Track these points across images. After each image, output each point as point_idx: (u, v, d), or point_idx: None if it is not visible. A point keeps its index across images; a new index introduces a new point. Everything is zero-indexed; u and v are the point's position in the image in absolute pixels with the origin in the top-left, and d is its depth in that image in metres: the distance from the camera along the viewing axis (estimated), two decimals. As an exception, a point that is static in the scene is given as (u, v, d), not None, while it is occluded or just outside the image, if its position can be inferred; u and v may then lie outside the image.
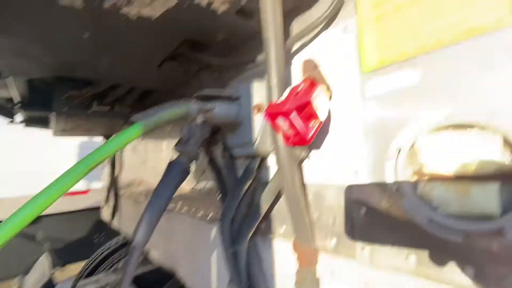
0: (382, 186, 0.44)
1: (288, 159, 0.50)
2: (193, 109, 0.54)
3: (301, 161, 0.55)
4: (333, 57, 0.52)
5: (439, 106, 0.38)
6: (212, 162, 0.80)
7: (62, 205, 4.50)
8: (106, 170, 2.62)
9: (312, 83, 0.47)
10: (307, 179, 0.57)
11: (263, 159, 0.66)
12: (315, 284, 0.52)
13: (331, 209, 0.53)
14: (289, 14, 0.61)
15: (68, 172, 0.46)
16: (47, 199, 0.42)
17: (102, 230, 4.70)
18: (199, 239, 0.96)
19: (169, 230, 1.18)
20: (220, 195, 0.77)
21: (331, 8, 0.51)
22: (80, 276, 2.25)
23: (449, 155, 0.35)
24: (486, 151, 0.32)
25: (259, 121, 0.60)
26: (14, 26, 0.62)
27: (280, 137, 0.48)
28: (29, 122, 1.62)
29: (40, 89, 1.14)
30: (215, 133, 0.74)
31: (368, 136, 0.47)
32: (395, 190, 0.40)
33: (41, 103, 1.22)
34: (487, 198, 0.32)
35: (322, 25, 0.53)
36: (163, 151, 1.28)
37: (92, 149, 0.48)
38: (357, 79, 0.48)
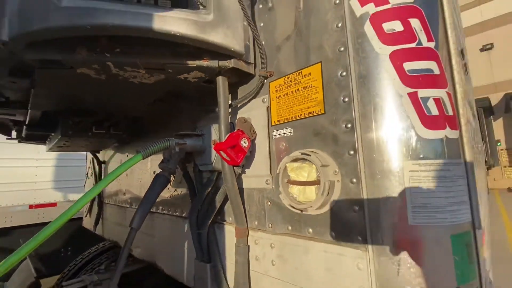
0: (277, 189, 0.81)
1: (229, 174, 0.86)
2: (173, 143, 0.89)
3: (238, 174, 0.91)
4: (257, 115, 0.90)
5: (298, 146, 0.76)
6: (186, 175, 1.14)
7: (31, 217, 4.49)
8: (88, 182, 2.82)
9: (241, 132, 0.84)
10: (243, 184, 0.93)
11: (219, 173, 1.02)
12: (246, 248, 0.87)
13: (255, 204, 0.89)
14: (235, 84, 0.99)
15: (92, 189, 0.78)
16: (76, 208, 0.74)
17: (70, 244, 4.66)
18: (175, 232, 1.27)
19: (151, 229, 1.47)
20: (190, 198, 1.11)
21: (256, 86, 0.89)
22: (61, 280, 2.39)
23: (297, 172, 0.72)
24: (310, 172, 0.70)
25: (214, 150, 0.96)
26: (49, 83, 0.94)
27: (224, 161, 0.84)
28: (26, 139, 1.86)
29: (49, 115, 1.42)
30: (189, 155, 1.09)
31: (272, 160, 0.84)
32: (280, 191, 0.77)
33: (47, 126, 1.50)
34: (312, 193, 0.70)
35: (252, 95, 0.91)
36: (147, 168, 1.59)
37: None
38: (268, 129, 0.86)
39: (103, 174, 2.30)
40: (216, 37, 0.76)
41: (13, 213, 4.32)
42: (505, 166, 13.58)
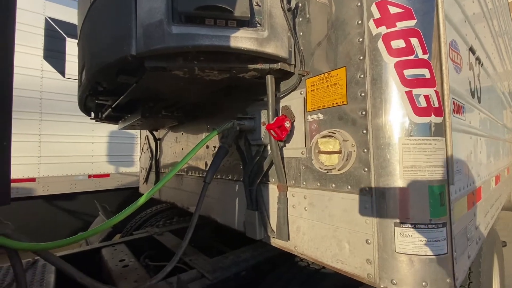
0: (310, 157, 1.13)
1: (275, 146, 1.20)
2: (235, 124, 1.24)
3: (281, 147, 1.25)
4: (296, 104, 1.22)
5: (326, 127, 1.07)
6: (238, 148, 1.50)
7: (90, 185, 5.28)
8: (143, 156, 3.35)
9: (285, 116, 1.16)
10: (284, 155, 1.27)
11: (265, 146, 1.36)
12: (285, 198, 1.23)
13: (293, 168, 1.23)
14: (279, 80, 1.30)
15: (185, 156, 1.16)
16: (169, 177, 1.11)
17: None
18: (227, 192, 1.67)
19: (207, 191, 1.89)
20: (242, 165, 1.48)
21: (296, 82, 1.20)
22: (125, 234, 2.97)
23: (325, 145, 1.04)
24: (335, 145, 1.01)
25: (263, 129, 1.30)
26: (149, 80, 1.32)
27: (271, 137, 1.18)
28: (105, 119, 2.34)
29: (130, 100, 1.85)
30: (241, 133, 1.44)
31: (306, 137, 1.16)
32: (312, 159, 1.10)
33: (129, 109, 1.94)
34: (336, 159, 1.01)
35: (292, 88, 1.22)
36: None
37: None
38: (304, 114, 1.18)
39: (158, 149, 2.78)
40: (270, 48, 1.07)
41: (76, 181, 5.14)
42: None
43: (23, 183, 4.47)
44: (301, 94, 1.20)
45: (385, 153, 0.89)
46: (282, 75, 1.25)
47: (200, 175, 2.00)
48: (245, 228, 1.45)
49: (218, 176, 1.76)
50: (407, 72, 0.88)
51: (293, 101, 1.23)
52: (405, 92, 0.88)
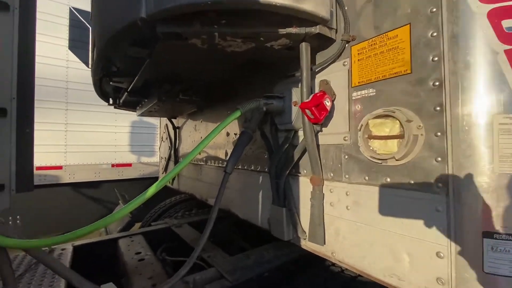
0: (355, 144, 0.91)
1: (310, 130, 0.98)
2: (261, 103, 1.04)
3: (317, 132, 1.03)
4: (337, 77, 0.99)
5: (380, 105, 0.84)
6: (263, 134, 1.30)
7: (113, 174, 5.37)
8: (162, 146, 3.27)
9: (323, 92, 0.94)
10: (320, 141, 1.05)
11: (295, 132, 1.15)
12: (321, 196, 1.02)
13: (331, 158, 1.01)
14: (315, 50, 1.07)
15: (202, 140, 0.98)
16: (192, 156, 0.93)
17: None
18: (249, 184, 1.48)
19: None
20: (268, 154, 1.28)
21: (338, 50, 0.97)
22: (149, 221, 2.92)
23: (379, 128, 0.81)
24: (393, 127, 0.78)
25: (295, 110, 1.09)
26: (163, 54, 1.15)
27: (306, 119, 0.97)
28: (122, 105, 2.24)
29: (145, 83, 1.71)
30: (266, 115, 1.24)
31: (351, 119, 0.93)
32: (359, 145, 0.87)
33: (144, 92, 1.80)
34: (394, 146, 0.78)
35: (333, 59, 0.99)
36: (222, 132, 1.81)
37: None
38: (348, 90, 0.95)
39: (177, 137, 2.65)
40: (308, 5, 0.85)
41: (100, 170, 5.24)
42: None
43: (51, 171, 4.61)
44: (344, 65, 0.97)
45: (470, 137, 0.65)
46: (318, 44, 1.03)
47: (220, 165, 1.83)
48: (270, 226, 1.26)
49: (240, 166, 1.58)
50: (507, 24, 0.63)
51: (333, 75, 1.00)
52: (505, 51, 0.62)
